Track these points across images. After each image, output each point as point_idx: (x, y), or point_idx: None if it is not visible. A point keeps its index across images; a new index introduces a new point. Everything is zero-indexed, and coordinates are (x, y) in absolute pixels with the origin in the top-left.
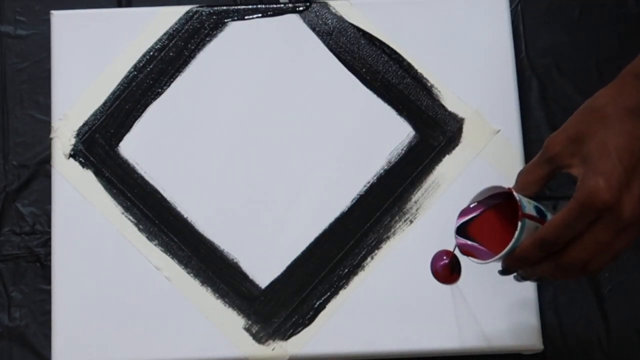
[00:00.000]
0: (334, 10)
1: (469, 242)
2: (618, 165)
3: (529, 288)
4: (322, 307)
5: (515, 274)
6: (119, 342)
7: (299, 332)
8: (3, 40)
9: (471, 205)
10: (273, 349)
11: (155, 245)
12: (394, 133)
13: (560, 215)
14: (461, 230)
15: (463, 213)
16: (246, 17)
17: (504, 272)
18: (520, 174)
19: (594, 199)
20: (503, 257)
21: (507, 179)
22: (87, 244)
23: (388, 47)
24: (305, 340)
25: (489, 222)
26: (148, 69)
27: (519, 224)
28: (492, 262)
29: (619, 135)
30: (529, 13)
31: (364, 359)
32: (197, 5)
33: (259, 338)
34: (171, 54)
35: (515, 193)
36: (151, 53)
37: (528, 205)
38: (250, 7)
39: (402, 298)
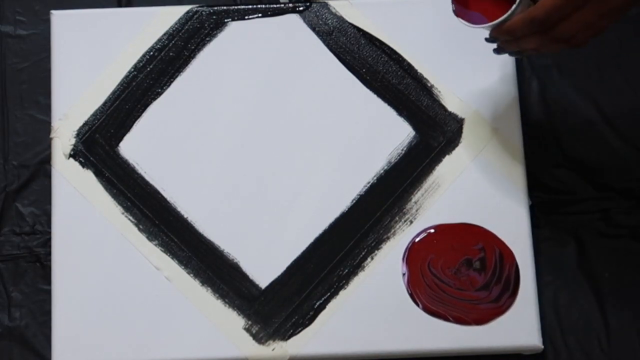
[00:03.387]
0: (334, 10)
1: (464, 9)
2: None
3: (529, 288)
4: (322, 307)
5: (496, 46)
6: (119, 342)
7: (299, 332)
8: (3, 40)
9: None
10: (273, 349)
11: (155, 245)
12: (394, 133)
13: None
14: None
15: None
16: (246, 17)
17: (489, 39)
18: None
19: None
20: (493, 27)
21: (507, 179)
22: (87, 244)
23: (388, 47)
24: (305, 340)
25: None
26: (148, 69)
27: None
28: (480, 28)
29: None
30: None
31: (364, 359)
32: (197, 5)
33: (259, 338)
34: (171, 54)
35: None
36: (151, 53)
37: None
38: (250, 7)
39: (402, 298)
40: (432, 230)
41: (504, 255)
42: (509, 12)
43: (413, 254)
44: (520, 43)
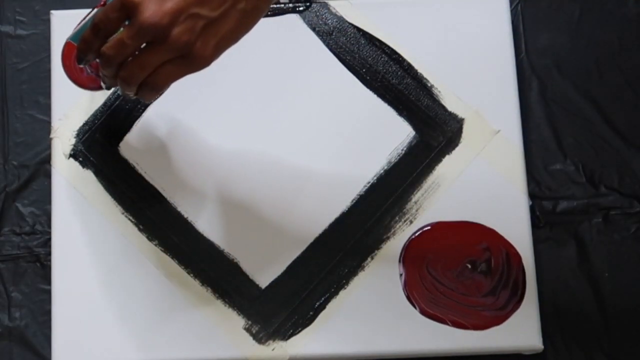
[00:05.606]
0: (334, 10)
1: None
2: None
3: (530, 288)
4: (322, 307)
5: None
6: (119, 342)
7: (299, 332)
8: (3, 40)
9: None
10: (273, 349)
11: (155, 245)
12: (394, 133)
13: (107, 6)
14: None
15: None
16: None
17: (81, 53)
18: None
19: None
20: (74, 38)
21: (507, 179)
22: (87, 244)
23: (388, 47)
24: (305, 340)
25: None
26: None
27: (96, 9)
28: (67, 39)
29: None
30: (529, 13)
31: (364, 359)
32: None
33: (259, 338)
34: None
35: None
36: None
37: None
38: None
39: (402, 299)
40: (429, 228)
41: (510, 256)
42: (87, 19)
43: (409, 254)
44: (104, 73)
